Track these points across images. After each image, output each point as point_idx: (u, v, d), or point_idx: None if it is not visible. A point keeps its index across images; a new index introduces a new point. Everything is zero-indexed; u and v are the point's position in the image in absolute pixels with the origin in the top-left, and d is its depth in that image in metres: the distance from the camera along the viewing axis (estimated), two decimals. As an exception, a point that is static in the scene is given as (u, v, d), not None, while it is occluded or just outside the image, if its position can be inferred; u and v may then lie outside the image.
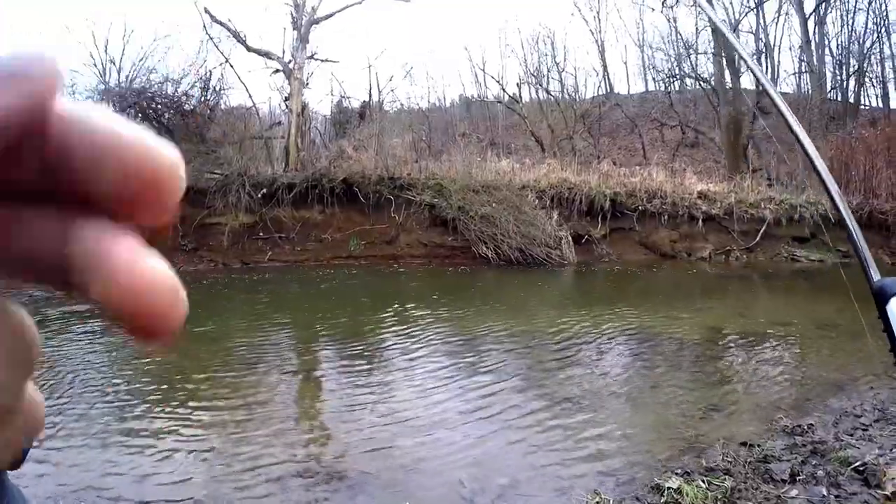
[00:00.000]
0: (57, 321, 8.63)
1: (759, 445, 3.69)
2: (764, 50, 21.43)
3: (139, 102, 15.74)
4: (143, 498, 3.43)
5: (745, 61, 1.67)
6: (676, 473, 3.35)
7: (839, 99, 21.75)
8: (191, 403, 5.15)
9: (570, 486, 3.41)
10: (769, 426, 4.08)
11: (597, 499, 3.14)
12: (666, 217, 13.10)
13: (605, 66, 26.51)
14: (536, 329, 7.41)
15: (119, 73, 16.45)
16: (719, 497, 3.06)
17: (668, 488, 3.15)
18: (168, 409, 5.01)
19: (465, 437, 4.26)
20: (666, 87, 23.14)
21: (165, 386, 5.63)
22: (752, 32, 21.39)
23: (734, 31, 17.99)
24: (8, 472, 0.74)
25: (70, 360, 6.45)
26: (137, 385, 5.72)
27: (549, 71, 25.18)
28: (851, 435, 3.78)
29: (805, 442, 3.72)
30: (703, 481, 3.22)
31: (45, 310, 9.16)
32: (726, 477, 3.29)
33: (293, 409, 5.12)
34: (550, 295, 10.77)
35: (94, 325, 8.55)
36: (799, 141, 1.47)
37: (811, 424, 3.97)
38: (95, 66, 17.54)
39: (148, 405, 5.09)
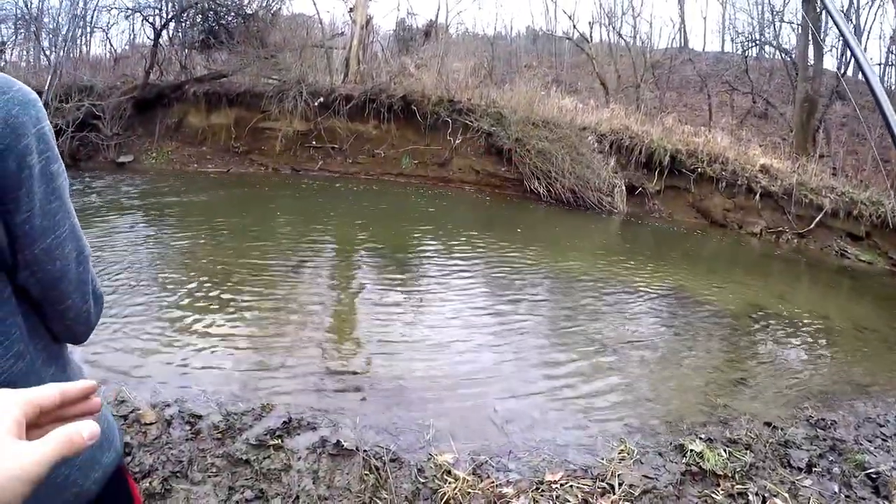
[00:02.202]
0: (100, 210, 9.12)
1: (782, 429, 3.81)
2: (853, 32, 20.22)
3: (200, 3, 15.68)
4: (180, 384, 3.76)
5: (847, 40, 1.70)
6: (700, 438, 3.51)
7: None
8: (232, 297, 5.48)
9: (597, 430, 3.62)
10: (794, 413, 4.18)
11: (622, 446, 3.35)
12: (724, 184, 12.88)
13: (682, 19, 25.78)
14: (579, 272, 7.62)
15: None
16: (738, 469, 3.19)
17: (691, 450, 3.32)
18: (208, 300, 5.36)
19: (500, 364, 4.52)
20: (743, 52, 22.20)
21: (205, 278, 5.97)
22: (842, 11, 20.19)
23: (823, 8, 17.15)
24: (69, 345, 1.01)
25: (114, 250, 6.85)
26: (179, 276, 6.07)
27: (623, 14, 24.57)
28: (871, 441, 3.85)
29: (826, 437, 3.80)
30: (724, 451, 3.37)
31: (100, 203, 9.61)
32: (747, 451, 3.42)
33: (331, 317, 5.36)
34: (597, 241, 10.89)
35: (139, 216, 9.04)
36: (888, 123, 1.44)
37: (834, 421, 4.06)
38: None
39: (188, 298, 5.42)
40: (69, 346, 1.04)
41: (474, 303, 6.05)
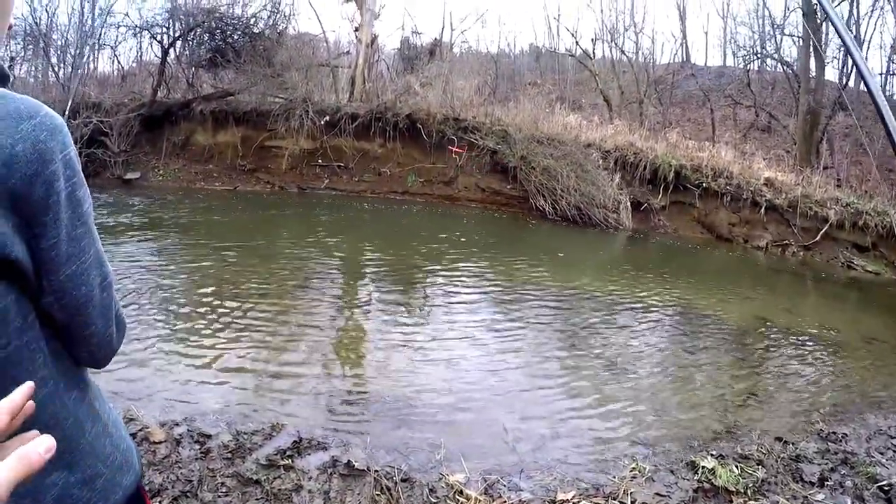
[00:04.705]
0: (107, 227, 9.18)
1: (793, 443, 3.78)
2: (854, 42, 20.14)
3: (207, 22, 15.85)
4: (189, 402, 3.76)
5: (849, 49, 1.70)
6: (712, 454, 3.49)
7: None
8: (241, 316, 5.49)
9: (607, 448, 3.60)
10: (805, 427, 4.15)
11: (633, 464, 3.33)
12: (729, 198, 12.90)
13: (684, 34, 25.83)
14: (585, 289, 7.60)
15: None
16: (750, 485, 3.17)
17: (703, 467, 3.29)
18: (216, 319, 5.36)
19: (509, 386, 4.49)
20: (745, 65, 22.19)
21: (212, 297, 5.99)
22: (843, 21, 20.11)
23: (826, 18, 17.19)
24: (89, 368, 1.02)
25: (121, 268, 6.85)
26: (186, 295, 6.09)
27: (625, 30, 24.60)
28: (883, 454, 3.81)
29: (837, 450, 3.76)
30: (736, 467, 3.33)
31: (107, 221, 9.67)
32: (759, 467, 3.39)
33: (339, 336, 5.36)
34: (603, 257, 10.91)
35: (145, 233, 9.09)
36: (888, 132, 1.43)
37: (845, 434, 4.02)
38: None
39: (196, 316, 5.43)
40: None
41: (482, 321, 6.04)
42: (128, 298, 5.74)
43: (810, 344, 6.30)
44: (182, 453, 3.12)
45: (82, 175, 0.88)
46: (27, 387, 0.67)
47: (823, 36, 16.27)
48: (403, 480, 2.97)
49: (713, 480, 3.20)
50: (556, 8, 44.63)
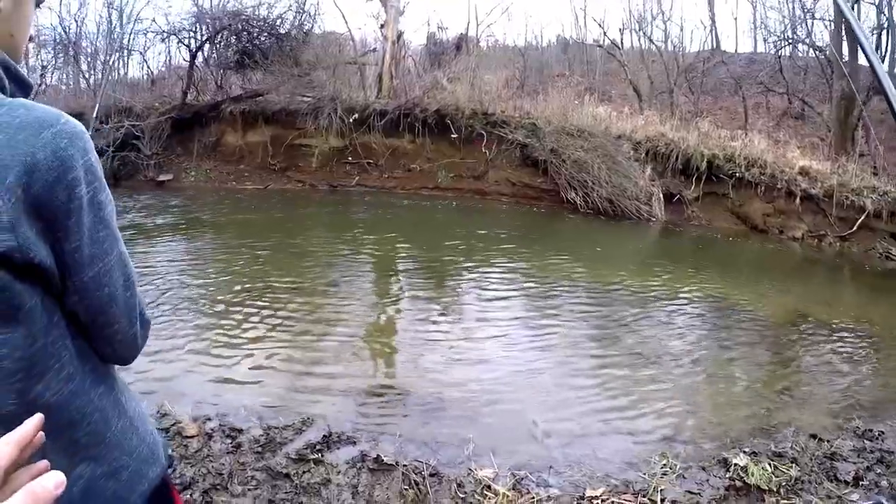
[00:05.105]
0: (141, 227, 9.38)
1: (828, 441, 3.68)
2: (887, 25, 19.31)
3: (233, 24, 15.99)
4: (221, 398, 3.82)
5: (853, 26, 1.61)
6: (745, 452, 3.42)
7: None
8: (272, 312, 5.54)
9: (638, 444, 3.56)
10: (841, 424, 4.04)
11: (664, 461, 3.28)
12: (763, 188, 12.63)
13: (713, 20, 25.32)
14: (618, 282, 7.52)
15: None
16: (783, 484, 3.10)
17: (735, 464, 3.23)
18: (249, 316, 5.43)
19: (539, 379, 4.47)
20: (776, 51, 21.60)
21: (245, 294, 6.06)
22: (874, 4, 19.24)
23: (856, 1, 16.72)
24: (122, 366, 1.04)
25: (155, 267, 7.02)
26: (219, 292, 6.17)
27: (653, 18, 24.27)
28: None
29: (874, 448, 3.66)
30: (769, 464, 3.26)
31: (142, 222, 9.83)
32: (793, 465, 3.30)
33: (370, 331, 5.38)
34: (635, 250, 10.79)
35: (179, 233, 9.26)
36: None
37: (882, 432, 3.90)
38: None
39: (229, 313, 5.51)
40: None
41: (513, 315, 6.01)
42: (162, 298, 5.84)
43: (848, 338, 6.13)
44: (214, 447, 3.17)
45: (104, 180, 0.91)
46: (37, 418, 0.69)
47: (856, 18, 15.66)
48: (432, 475, 2.98)
49: (745, 478, 3.14)
50: (582, -1, 44.19)
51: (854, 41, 15.73)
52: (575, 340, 5.42)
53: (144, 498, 1.03)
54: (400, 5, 16.88)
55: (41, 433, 0.69)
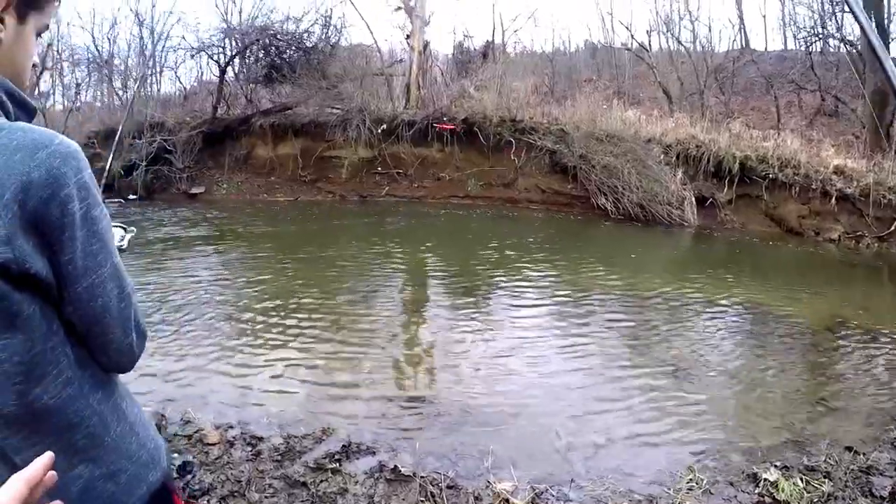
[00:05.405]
0: (175, 239, 9.56)
1: (864, 454, 3.51)
2: None
3: (261, 40, 16.28)
4: (245, 406, 3.86)
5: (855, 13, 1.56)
6: (775, 466, 3.29)
7: None
8: (299, 323, 5.58)
9: (664, 457, 3.45)
10: (878, 435, 3.85)
11: (690, 475, 3.17)
12: (797, 189, 12.29)
13: (741, 18, 24.85)
14: (649, 289, 7.36)
15: (240, 13, 17.11)
16: (815, 500, 2.99)
17: (765, 479, 3.12)
18: (276, 326, 5.46)
19: (565, 389, 4.38)
20: (807, 47, 20.88)
21: (274, 304, 6.12)
22: None
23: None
24: (118, 374, 1.11)
25: (187, 277, 7.18)
26: (248, 302, 6.25)
27: (680, 19, 23.96)
28: None
29: None
30: (801, 479, 3.13)
31: (176, 234, 9.99)
32: (826, 480, 3.16)
33: (395, 341, 5.36)
34: (667, 256, 10.64)
35: (211, 244, 9.41)
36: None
37: None
38: (218, 6, 18.23)
39: (256, 322, 5.56)
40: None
41: (542, 325, 5.93)
42: (189, 308, 5.96)
43: (887, 344, 5.85)
44: (234, 455, 3.21)
45: (98, 196, 0.97)
46: (47, 457, 0.74)
47: (887, 9, 15.29)
48: (449, 487, 2.94)
49: (775, 494, 3.02)
50: (608, 2, 43.87)
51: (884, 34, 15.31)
52: (606, 351, 5.29)
53: (144, 501, 1.09)
54: (425, 15, 17.00)
55: (52, 473, 0.72)
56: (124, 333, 1.03)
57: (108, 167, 13.92)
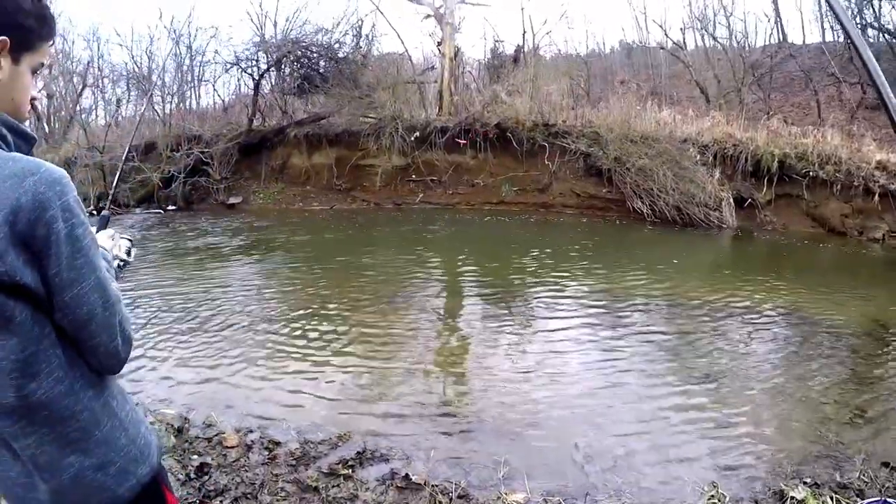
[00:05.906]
0: (212, 248, 9.81)
1: None
2: None
3: (294, 52, 16.51)
4: (266, 411, 3.93)
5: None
6: (805, 482, 3.13)
7: None
8: (328, 331, 5.63)
9: (686, 471, 3.32)
10: None
11: (712, 492, 3.04)
12: (839, 187, 11.87)
13: (777, 12, 24.21)
14: (685, 295, 7.20)
15: (275, 26, 17.27)
16: None
17: (792, 497, 2.97)
18: (305, 335, 5.53)
19: (591, 400, 4.29)
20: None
21: (305, 311, 6.21)
22: None
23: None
24: (110, 375, 1.25)
25: (223, 284, 7.35)
26: (280, 309, 6.38)
27: (715, 15, 23.43)
28: None
29: None
30: (831, 498, 2.97)
31: (216, 243, 10.19)
32: (858, 499, 2.98)
33: (425, 350, 5.35)
34: (705, 260, 10.40)
35: (247, 253, 9.61)
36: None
37: None
38: (252, 20, 18.62)
39: (286, 329, 5.66)
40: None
41: (573, 332, 5.81)
42: (222, 316, 6.10)
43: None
44: (251, 458, 3.29)
45: (83, 217, 1.09)
46: None
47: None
48: (460, 497, 2.92)
49: (801, 515, 2.84)
50: (641, 1, 43.28)
51: None
52: (635, 357, 5.16)
53: (133, 493, 1.22)
54: (455, 22, 17.02)
55: None
56: (110, 338, 1.15)
57: (147, 179, 14.37)
